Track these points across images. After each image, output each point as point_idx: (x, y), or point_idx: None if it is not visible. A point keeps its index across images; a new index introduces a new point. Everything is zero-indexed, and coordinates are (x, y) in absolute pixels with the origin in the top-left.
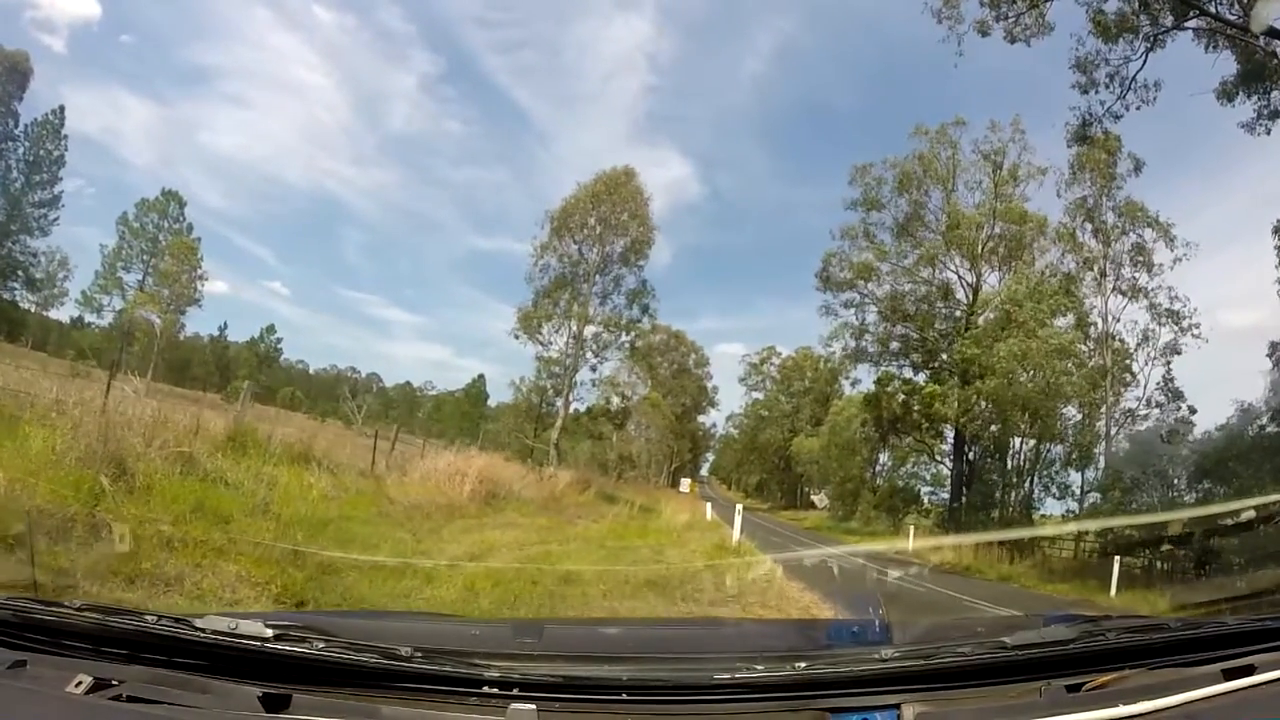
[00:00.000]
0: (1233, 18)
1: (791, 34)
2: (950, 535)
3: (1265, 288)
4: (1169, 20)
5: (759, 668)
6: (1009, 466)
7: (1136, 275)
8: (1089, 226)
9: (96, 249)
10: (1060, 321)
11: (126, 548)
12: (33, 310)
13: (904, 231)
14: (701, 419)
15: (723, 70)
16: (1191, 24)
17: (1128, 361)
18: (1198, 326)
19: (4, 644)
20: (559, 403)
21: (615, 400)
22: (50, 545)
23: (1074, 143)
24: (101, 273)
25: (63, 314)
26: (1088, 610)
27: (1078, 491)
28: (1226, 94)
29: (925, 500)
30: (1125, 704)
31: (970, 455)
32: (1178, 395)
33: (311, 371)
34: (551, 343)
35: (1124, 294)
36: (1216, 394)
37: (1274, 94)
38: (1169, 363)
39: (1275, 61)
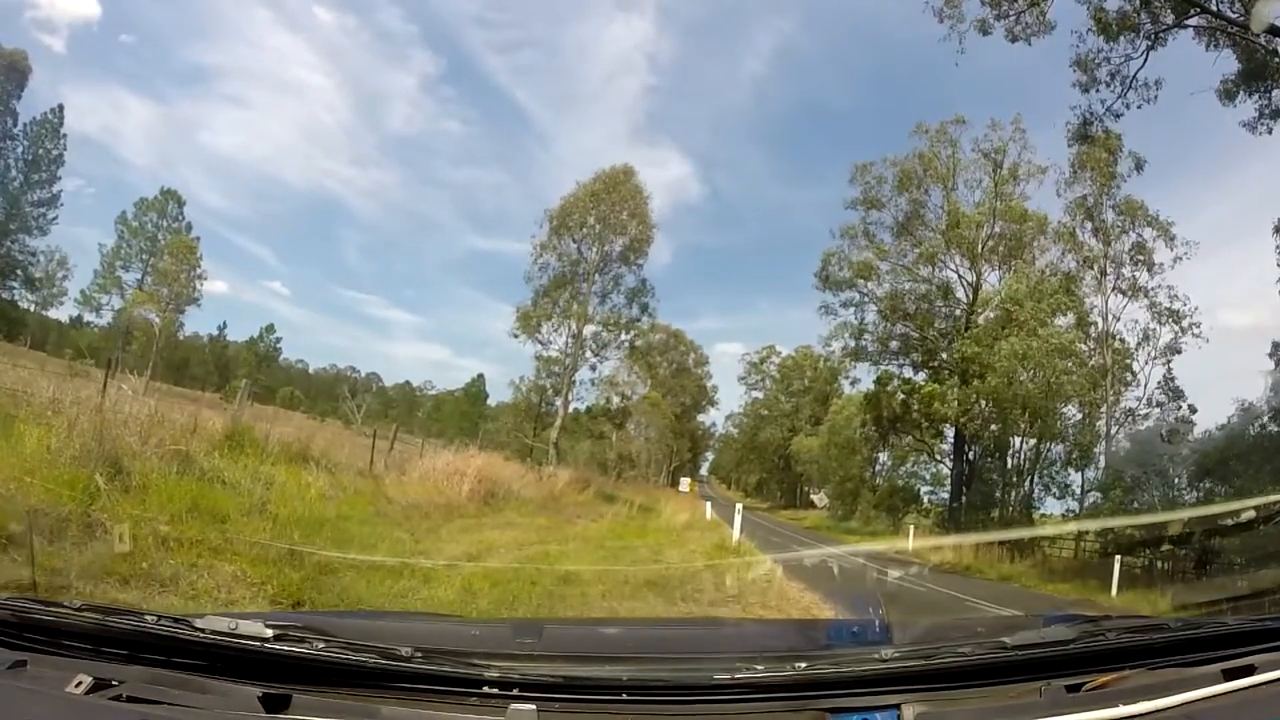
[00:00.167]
0: (1234, 16)
1: (791, 34)
2: (950, 535)
3: (1265, 287)
4: (1170, 18)
5: (759, 668)
6: (1009, 466)
7: (1137, 274)
8: (1089, 225)
9: (95, 248)
10: (1060, 321)
11: (123, 547)
12: (32, 309)
13: (904, 230)
14: (701, 418)
15: (722, 70)
16: (1192, 22)
17: (1128, 361)
18: (1198, 326)
19: (4, 644)
20: (558, 402)
21: (615, 400)
22: (45, 545)
23: (1074, 141)
24: (100, 272)
25: (62, 313)
26: (1088, 610)
27: (1078, 491)
28: (1227, 93)
29: (925, 500)
30: (1125, 704)
31: (970, 455)
32: (1178, 394)
33: (311, 371)
34: (551, 342)
35: (1124, 293)
36: (1217, 393)
37: (1275, 93)
38: (1169, 362)
39: (1276, 60)
